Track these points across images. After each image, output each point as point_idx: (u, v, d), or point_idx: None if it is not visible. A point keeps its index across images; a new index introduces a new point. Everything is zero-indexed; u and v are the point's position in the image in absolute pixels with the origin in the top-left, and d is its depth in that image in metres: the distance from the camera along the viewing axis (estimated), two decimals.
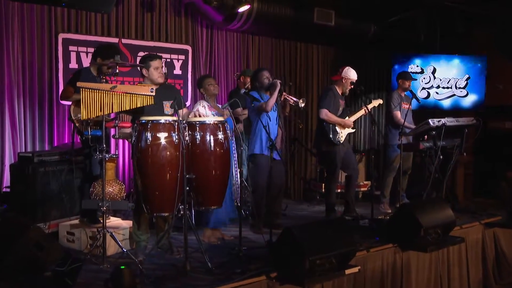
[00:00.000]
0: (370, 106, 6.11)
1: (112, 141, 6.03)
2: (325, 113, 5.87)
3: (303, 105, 6.23)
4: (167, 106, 4.44)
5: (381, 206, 6.63)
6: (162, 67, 4.46)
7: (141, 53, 6.48)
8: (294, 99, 5.78)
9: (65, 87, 5.01)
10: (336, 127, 5.92)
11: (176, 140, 4.06)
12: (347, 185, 6.16)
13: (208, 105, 4.93)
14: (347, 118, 6.01)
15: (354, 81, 5.99)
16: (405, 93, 6.70)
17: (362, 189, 7.66)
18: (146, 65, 4.42)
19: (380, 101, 6.36)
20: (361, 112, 6.12)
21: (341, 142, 5.94)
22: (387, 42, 8.35)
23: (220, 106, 5.30)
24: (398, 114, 6.52)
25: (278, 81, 5.35)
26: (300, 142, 8.07)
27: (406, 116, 6.24)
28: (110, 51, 4.81)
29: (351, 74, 6.00)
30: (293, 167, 8.03)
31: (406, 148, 6.02)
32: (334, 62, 8.40)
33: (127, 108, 4.10)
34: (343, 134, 5.96)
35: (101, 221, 4.25)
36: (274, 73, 7.80)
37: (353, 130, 6.13)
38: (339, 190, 7.23)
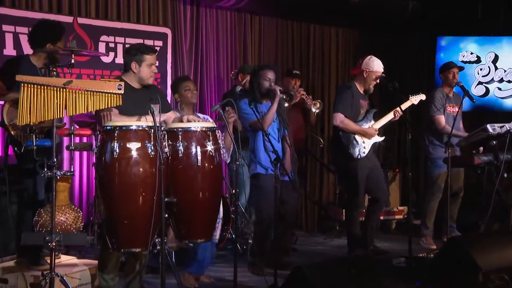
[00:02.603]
0: (404, 106, 6.09)
1: (66, 153, 6.00)
2: (340, 120, 5.89)
3: (318, 110, 6.24)
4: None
5: (422, 240, 6.61)
6: (156, 64, 4.55)
7: (104, 37, 6.47)
8: (308, 102, 5.79)
9: None
10: (356, 137, 5.94)
11: (152, 153, 4.05)
12: (369, 211, 6.15)
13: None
14: (370, 124, 6.02)
15: (380, 74, 6.00)
16: (454, 90, 6.70)
17: (396, 217, 7.67)
18: (137, 58, 4.46)
19: (422, 97, 6.32)
20: (389, 116, 6.11)
21: (364, 155, 5.94)
22: (430, 21, 8.36)
23: (200, 115, 5.33)
24: (441, 119, 6.53)
25: (278, 88, 5.36)
26: (313, 155, 8.06)
27: (454, 121, 6.23)
28: (60, 31, 4.80)
29: (375, 65, 6.00)
30: (305, 187, 8.05)
31: (455, 163, 6.02)
32: (358, 50, 8.43)
33: (86, 110, 4.09)
34: (366, 145, 5.97)
35: (48, 261, 4.20)
36: (280, 65, 7.81)
37: (381, 139, 6.14)
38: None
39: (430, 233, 6.66)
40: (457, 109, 6.52)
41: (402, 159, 8.76)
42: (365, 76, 5.99)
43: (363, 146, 5.94)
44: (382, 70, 6.02)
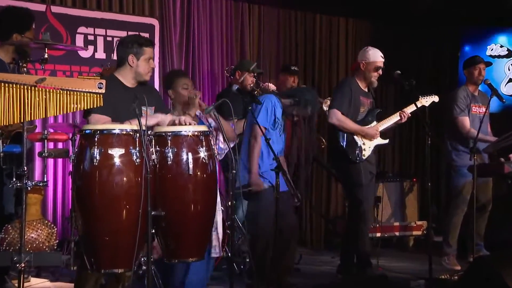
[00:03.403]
0: (411, 109, 6.10)
1: (38, 161, 6.00)
2: (336, 117, 5.89)
3: (327, 108, 6.28)
4: (148, 115, 4.44)
5: (445, 260, 6.59)
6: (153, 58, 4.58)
7: (83, 29, 6.50)
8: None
9: None
10: (355, 137, 5.96)
11: (138, 160, 4.04)
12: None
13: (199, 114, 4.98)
14: (372, 125, 6.03)
15: (380, 66, 6.01)
16: (479, 88, 6.70)
17: (414, 233, 7.69)
18: (134, 51, 4.48)
19: (434, 99, 6.34)
20: (394, 118, 6.13)
21: (364, 158, 5.96)
22: (454, 11, 8.36)
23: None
24: (465, 121, 6.53)
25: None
26: (319, 161, 8.06)
27: (480, 123, 6.23)
28: (28, 19, 4.80)
29: (371, 55, 6.02)
30: (309, 199, 8.04)
31: (482, 172, 6.02)
32: (370, 44, 8.36)
33: (62, 111, 4.09)
34: (366, 147, 5.99)
35: (15, 285, 4.22)
36: (281, 61, 7.83)
37: (385, 142, 6.17)
38: (378, 234, 7.22)
39: (454, 252, 6.64)
40: (484, 110, 6.52)
41: (421, 167, 8.75)
42: (362, 69, 6.04)
43: (363, 148, 5.96)
44: (381, 60, 6.03)
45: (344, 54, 8.51)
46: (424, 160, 8.39)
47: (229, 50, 7.51)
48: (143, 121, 4.04)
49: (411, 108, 6.10)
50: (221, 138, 5.13)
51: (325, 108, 6.46)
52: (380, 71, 6.02)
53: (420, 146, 8.83)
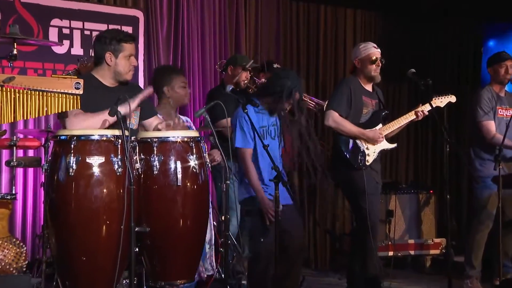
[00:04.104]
0: (421, 109, 6.08)
1: (6, 171, 5.98)
2: (333, 118, 5.90)
3: None
4: (132, 116, 4.48)
5: (467, 283, 6.58)
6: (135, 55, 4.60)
7: (57, 21, 6.48)
8: (316, 100, 5.76)
9: None
10: (358, 141, 5.97)
11: (120, 169, 4.06)
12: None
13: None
14: (377, 128, 6.03)
15: (376, 57, 5.99)
16: (506, 88, 6.69)
17: (431, 252, 7.68)
18: (112, 48, 4.50)
19: (451, 99, 6.29)
20: (404, 120, 6.13)
21: (368, 164, 5.97)
22: (476, 1, 8.33)
23: (183, 119, 5.36)
24: (490, 125, 6.52)
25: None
26: (324, 171, 8.02)
27: (507, 128, 6.22)
28: None
29: (361, 50, 6.04)
30: (313, 213, 8.04)
31: (508, 182, 6.00)
32: (381, 39, 8.41)
33: (33, 115, 4.09)
34: (370, 152, 5.99)
35: None
36: (281, 56, 7.82)
37: (392, 146, 6.17)
38: (390, 253, 7.19)
39: (477, 274, 6.62)
40: (511, 113, 6.54)
41: (438, 178, 8.77)
42: (359, 67, 6.08)
43: (367, 154, 5.97)
44: (375, 51, 6.03)
45: (351, 49, 8.43)
46: (442, 170, 8.39)
47: (222, 45, 7.51)
48: (126, 109, 4.02)
49: (426, 108, 6.08)
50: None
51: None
52: (379, 63, 6.03)
53: (437, 154, 8.81)
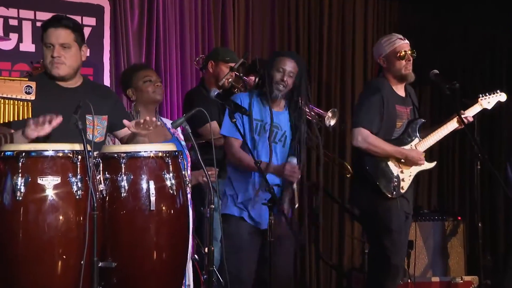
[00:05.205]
0: (472, 112, 6.12)
1: None
2: (364, 137, 5.86)
3: (333, 121, 6.25)
4: (95, 127, 4.48)
5: None
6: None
7: (2, 10, 6.49)
8: (317, 110, 5.96)
9: None
10: (390, 163, 5.95)
11: (79, 192, 4.05)
12: None
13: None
14: (414, 144, 6.02)
15: (404, 49, 5.98)
16: None
17: None
18: (42, 37, 4.54)
19: (501, 98, 6.33)
20: (446, 130, 6.14)
21: (403, 192, 5.97)
22: None
23: (168, 122, 5.45)
24: None
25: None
26: (328, 193, 8.13)
27: None
28: None
29: (385, 44, 6.07)
30: (317, 243, 8.11)
31: None
32: (397, 31, 8.40)
33: None
34: (406, 176, 6.00)
35: None
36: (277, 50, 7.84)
37: (431, 166, 6.19)
38: None
39: None
40: None
41: (468, 202, 8.83)
42: (385, 66, 6.05)
43: (402, 178, 5.96)
44: (402, 42, 6.04)
45: (362, 45, 8.63)
46: (472, 192, 8.43)
47: (206, 39, 7.55)
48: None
49: (473, 110, 6.11)
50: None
51: (332, 123, 6.38)
52: (409, 57, 5.99)
53: (466, 173, 8.87)
